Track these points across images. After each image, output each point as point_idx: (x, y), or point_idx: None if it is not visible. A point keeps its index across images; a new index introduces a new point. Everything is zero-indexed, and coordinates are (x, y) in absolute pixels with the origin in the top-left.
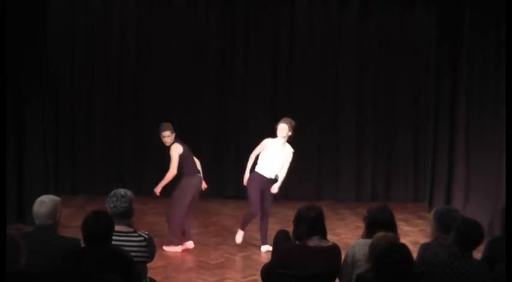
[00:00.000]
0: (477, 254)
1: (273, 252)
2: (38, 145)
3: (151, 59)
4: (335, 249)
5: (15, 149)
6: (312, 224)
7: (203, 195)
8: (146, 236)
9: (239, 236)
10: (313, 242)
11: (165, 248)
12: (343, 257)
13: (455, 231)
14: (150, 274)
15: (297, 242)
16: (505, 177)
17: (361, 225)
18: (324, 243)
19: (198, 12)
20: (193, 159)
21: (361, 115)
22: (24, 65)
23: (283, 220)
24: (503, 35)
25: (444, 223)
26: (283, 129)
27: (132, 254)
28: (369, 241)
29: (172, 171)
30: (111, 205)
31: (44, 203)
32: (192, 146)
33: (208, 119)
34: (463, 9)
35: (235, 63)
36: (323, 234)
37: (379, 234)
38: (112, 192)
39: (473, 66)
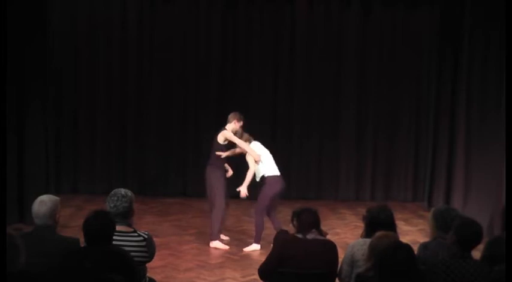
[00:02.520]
0: (477, 254)
1: (272, 250)
2: (38, 145)
3: (153, 60)
4: (330, 243)
5: (16, 149)
6: (310, 226)
7: (204, 195)
8: (146, 236)
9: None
10: (311, 235)
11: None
12: (341, 255)
13: (454, 232)
14: (149, 274)
15: (297, 234)
16: (505, 177)
17: (361, 224)
18: (319, 237)
19: (199, 12)
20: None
21: (361, 115)
22: (25, 65)
23: (283, 220)
24: (504, 35)
25: (443, 222)
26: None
27: (132, 254)
28: (368, 241)
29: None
30: (112, 205)
31: (43, 202)
32: (192, 145)
33: (208, 118)
34: (465, 9)
35: (236, 63)
36: (320, 231)
37: (379, 233)
38: (112, 192)
39: (474, 67)
